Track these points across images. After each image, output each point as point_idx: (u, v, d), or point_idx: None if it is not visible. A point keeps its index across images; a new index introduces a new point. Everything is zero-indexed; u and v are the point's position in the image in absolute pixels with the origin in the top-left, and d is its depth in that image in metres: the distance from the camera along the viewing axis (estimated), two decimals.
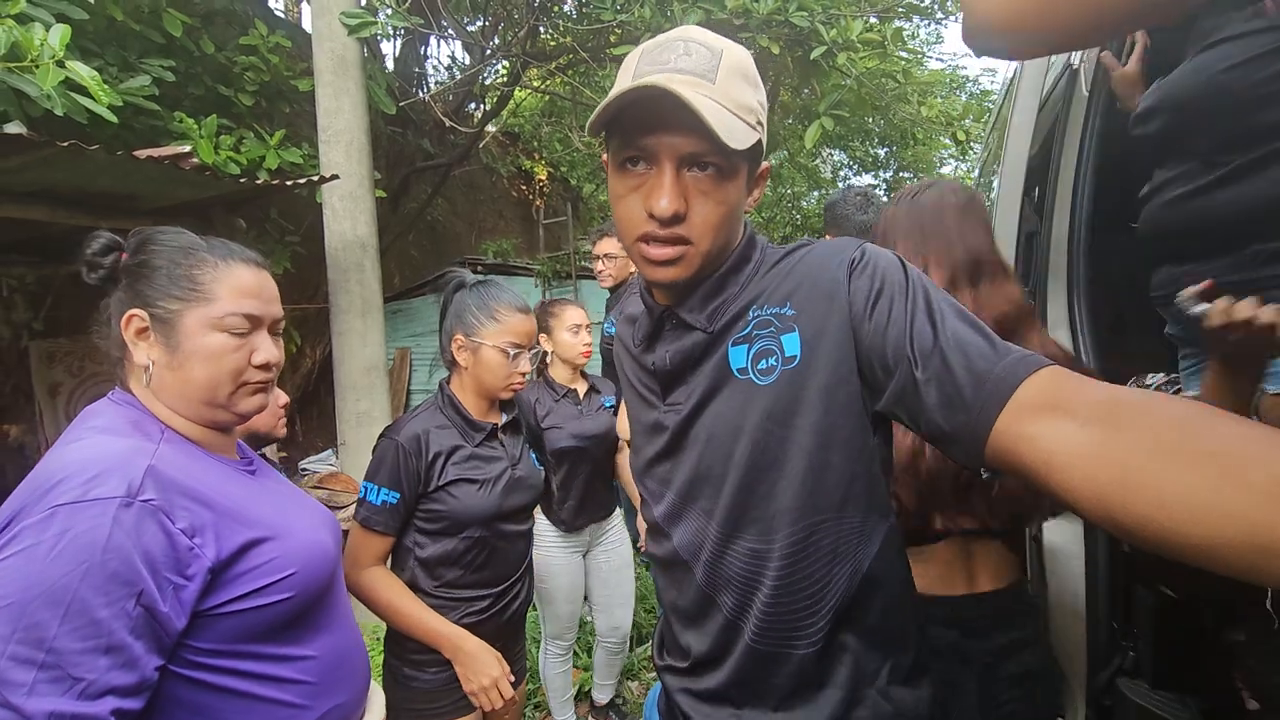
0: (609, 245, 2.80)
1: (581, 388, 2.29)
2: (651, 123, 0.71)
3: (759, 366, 0.76)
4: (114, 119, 2.65)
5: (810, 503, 0.74)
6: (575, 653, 2.91)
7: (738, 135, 0.70)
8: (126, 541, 0.70)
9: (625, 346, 0.96)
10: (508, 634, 1.56)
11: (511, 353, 1.48)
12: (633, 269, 2.86)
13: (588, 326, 2.25)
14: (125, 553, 0.70)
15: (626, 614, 2.44)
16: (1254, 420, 0.47)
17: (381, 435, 1.48)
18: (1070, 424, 0.53)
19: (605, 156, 0.81)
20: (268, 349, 0.90)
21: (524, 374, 1.51)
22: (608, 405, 2.31)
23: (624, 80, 0.73)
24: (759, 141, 0.75)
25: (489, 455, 1.52)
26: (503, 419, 1.60)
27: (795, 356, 0.74)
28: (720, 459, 0.78)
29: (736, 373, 0.77)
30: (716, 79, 0.71)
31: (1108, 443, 0.50)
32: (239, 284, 0.88)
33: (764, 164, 0.83)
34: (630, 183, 0.74)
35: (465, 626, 1.44)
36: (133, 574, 0.70)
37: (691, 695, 0.86)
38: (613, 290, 2.93)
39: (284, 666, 0.86)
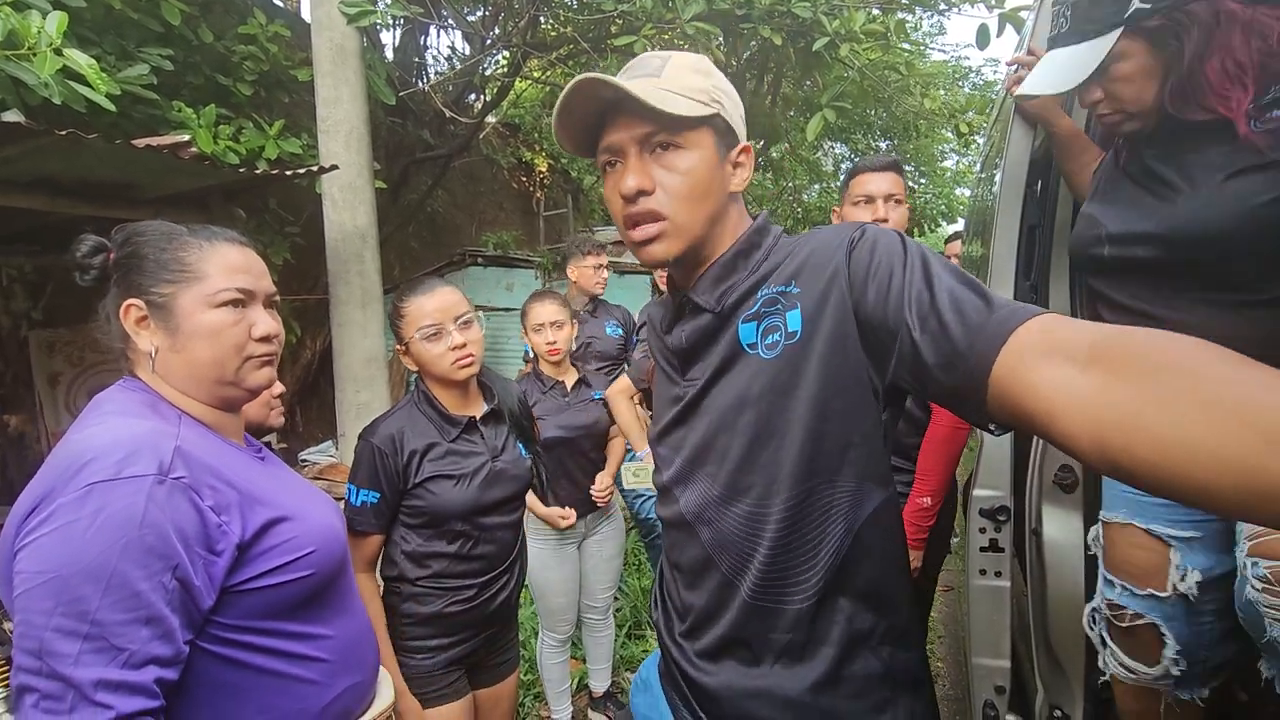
0: (604, 256, 3.07)
1: (570, 379, 2.30)
2: (607, 123, 0.81)
3: (766, 341, 0.80)
4: (112, 108, 2.64)
5: (807, 468, 0.78)
6: (575, 643, 2.93)
7: (670, 103, 0.76)
8: (161, 517, 0.73)
9: (654, 329, 1.03)
10: (496, 622, 1.59)
11: (429, 334, 1.47)
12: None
13: (554, 324, 2.22)
14: (161, 528, 0.73)
15: (607, 594, 2.50)
16: (1255, 362, 0.46)
17: (360, 436, 1.49)
18: (1070, 369, 0.53)
19: None
20: (266, 322, 0.92)
21: (459, 346, 1.48)
22: (596, 397, 2.33)
23: None
24: (716, 116, 0.82)
25: (466, 450, 1.52)
26: (483, 409, 1.59)
27: (796, 332, 0.78)
28: (727, 427, 0.83)
29: (746, 348, 0.82)
30: (663, 74, 0.80)
31: (1109, 388, 0.50)
32: (226, 261, 0.90)
33: (743, 144, 0.87)
34: (610, 181, 0.83)
35: (451, 615, 1.48)
36: (168, 548, 0.73)
37: (691, 654, 0.90)
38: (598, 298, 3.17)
39: (304, 644, 0.89)
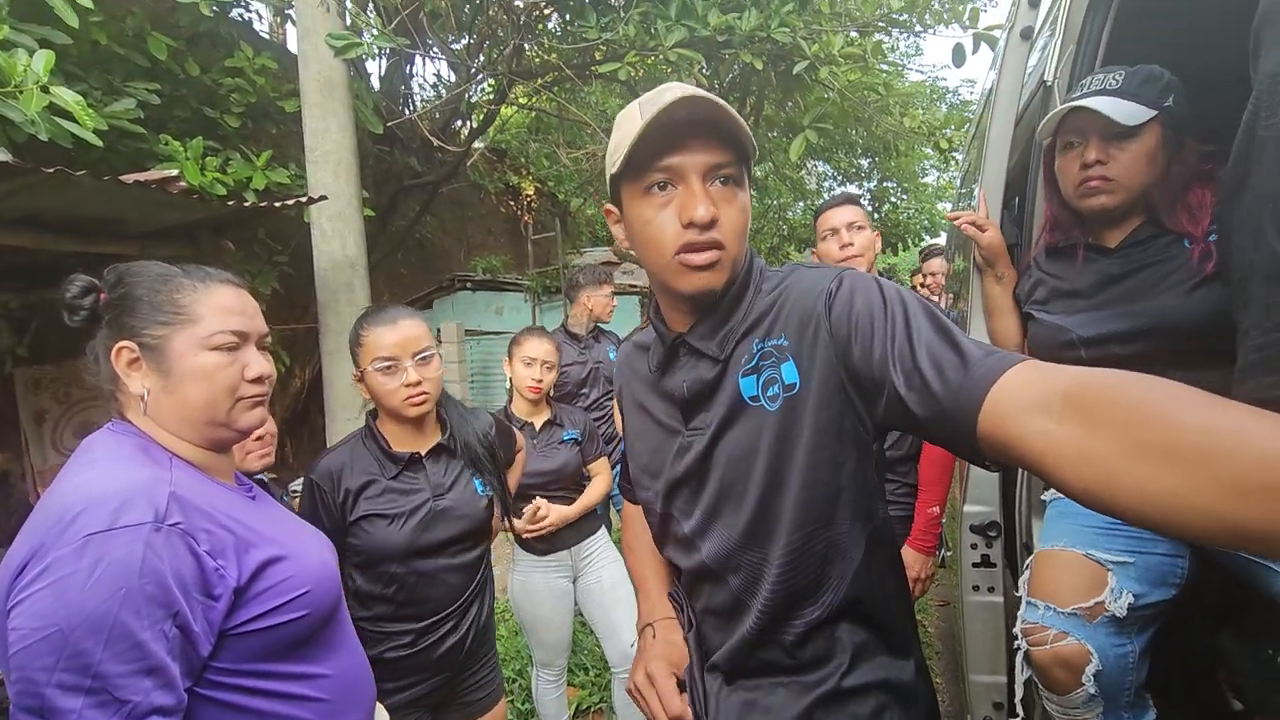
0: (613, 284, 3.17)
1: (539, 420, 2.21)
2: (672, 144, 0.78)
3: (768, 394, 0.83)
4: (99, 143, 2.65)
5: (804, 515, 0.82)
6: (572, 670, 2.88)
7: (751, 144, 0.80)
8: (160, 564, 0.73)
9: (634, 369, 1.03)
10: (446, 667, 1.50)
11: (384, 367, 1.40)
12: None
13: (546, 364, 2.16)
14: (160, 576, 0.72)
15: (635, 637, 2.30)
16: (1219, 401, 0.49)
17: (306, 470, 1.45)
18: (1047, 421, 0.56)
19: (609, 206, 0.89)
20: (259, 363, 0.92)
21: (413, 384, 1.41)
22: (567, 439, 2.23)
23: (634, 125, 0.78)
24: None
25: (406, 488, 1.45)
26: (433, 443, 1.51)
27: (795, 384, 0.81)
28: (741, 478, 0.85)
29: (749, 400, 0.84)
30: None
31: (1086, 441, 0.53)
32: (221, 303, 0.90)
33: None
34: (658, 203, 0.81)
35: (391, 661, 1.42)
36: (168, 596, 0.73)
37: (706, 676, 0.94)
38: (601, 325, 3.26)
39: (302, 685, 0.88)
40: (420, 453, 1.48)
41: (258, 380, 0.91)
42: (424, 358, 1.43)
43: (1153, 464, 0.48)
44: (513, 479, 1.87)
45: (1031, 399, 0.59)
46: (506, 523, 1.69)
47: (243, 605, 0.81)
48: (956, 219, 1.57)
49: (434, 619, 1.46)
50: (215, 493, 0.87)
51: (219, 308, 0.89)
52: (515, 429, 1.99)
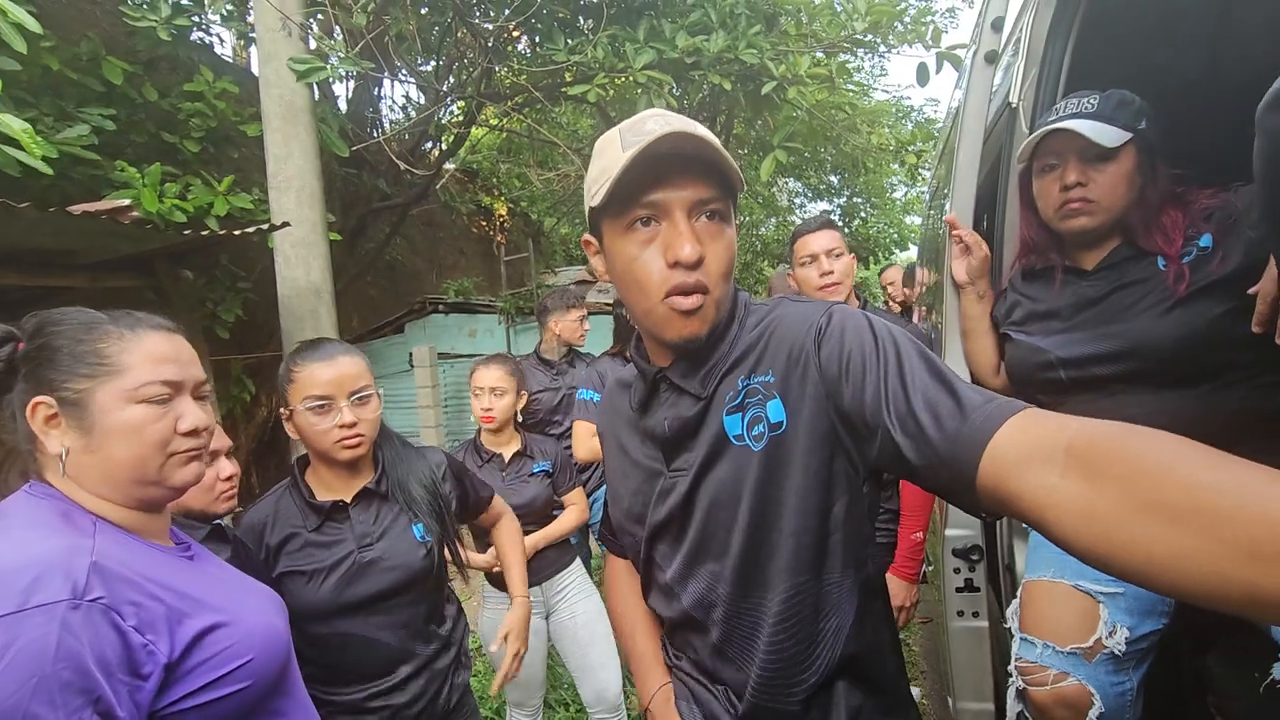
0: (585, 308, 3.06)
1: (509, 451, 2.15)
2: (656, 179, 0.74)
3: (753, 433, 0.78)
4: (49, 171, 2.56)
5: (794, 563, 0.77)
6: (551, 706, 2.79)
7: (738, 179, 0.77)
8: (78, 646, 0.66)
9: (616, 409, 0.98)
10: None
11: (316, 406, 1.30)
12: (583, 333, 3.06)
13: (495, 390, 2.11)
14: (78, 659, 0.65)
15: (611, 675, 2.15)
16: (1230, 459, 0.46)
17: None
18: (1050, 475, 0.53)
19: (588, 237, 0.85)
20: (194, 414, 0.85)
21: (348, 425, 1.30)
22: (537, 470, 2.17)
23: (615, 153, 0.74)
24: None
25: (328, 540, 1.33)
26: (361, 487, 1.39)
27: (781, 423, 0.76)
28: (725, 522, 0.80)
29: (734, 439, 0.80)
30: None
31: (1089, 497, 0.50)
32: (151, 351, 0.83)
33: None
34: (641, 240, 0.77)
35: None
36: (87, 681, 0.66)
37: None
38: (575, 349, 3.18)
39: None
40: (345, 500, 1.36)
41: (193, 433, 0.84)
42: (362, 397, 1.33)
43: (1159, 523, 0.45)
44: (509, 530, 1.76)
45: (1033, 451, 0.56)
46: (457, 567, 1.56)
47: (177, 682, 0.74)
48: (958, 238, 1.55)
49: (372, 686, 1.31)
50: (145, 558, 0.80)
51: (149, 356, 0.82)
52: (481, 464, 1.92)
